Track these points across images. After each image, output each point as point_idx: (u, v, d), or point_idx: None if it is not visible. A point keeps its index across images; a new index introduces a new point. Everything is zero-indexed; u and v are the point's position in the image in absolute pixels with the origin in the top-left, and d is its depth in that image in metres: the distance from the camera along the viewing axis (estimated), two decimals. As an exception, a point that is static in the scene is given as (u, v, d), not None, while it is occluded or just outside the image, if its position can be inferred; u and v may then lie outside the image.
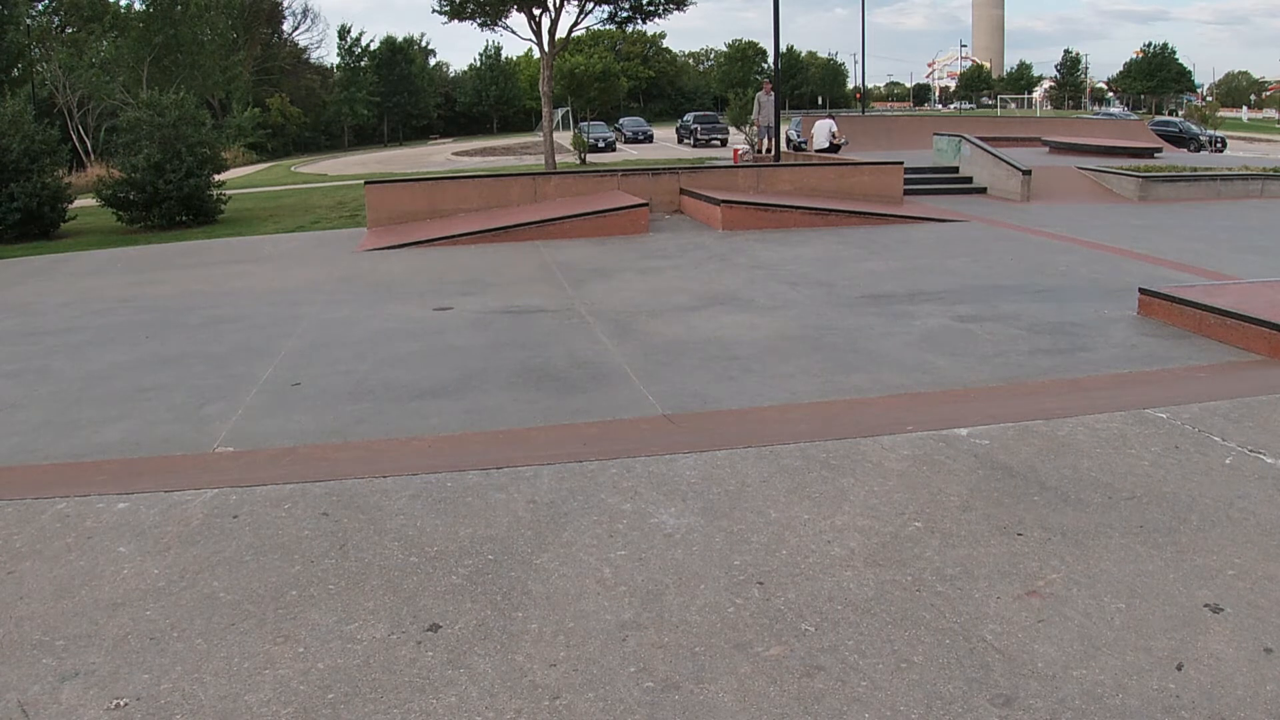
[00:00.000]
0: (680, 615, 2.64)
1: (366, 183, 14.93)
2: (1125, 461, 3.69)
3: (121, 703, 2.31)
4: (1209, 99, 74.38)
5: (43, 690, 2.38)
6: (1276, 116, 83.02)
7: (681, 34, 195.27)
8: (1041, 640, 2.48)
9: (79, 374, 6.52)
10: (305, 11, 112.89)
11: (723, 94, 67.68)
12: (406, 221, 13.72)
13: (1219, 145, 37.65)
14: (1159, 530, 3.10)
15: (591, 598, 2.75)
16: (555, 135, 26.22)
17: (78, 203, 18.34)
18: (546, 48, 24.55)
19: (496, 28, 25.59)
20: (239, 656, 2.50)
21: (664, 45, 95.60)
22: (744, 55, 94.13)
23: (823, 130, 20.45)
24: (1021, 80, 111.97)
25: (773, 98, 20.44)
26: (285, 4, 69.36)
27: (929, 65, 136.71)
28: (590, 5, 25.00)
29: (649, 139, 48.65)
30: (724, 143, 40.52)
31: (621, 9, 25.74)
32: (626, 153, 40.69)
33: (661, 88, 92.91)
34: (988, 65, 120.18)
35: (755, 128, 22.12)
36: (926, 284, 8.80)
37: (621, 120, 54.39)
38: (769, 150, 21.03)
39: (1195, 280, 8.37)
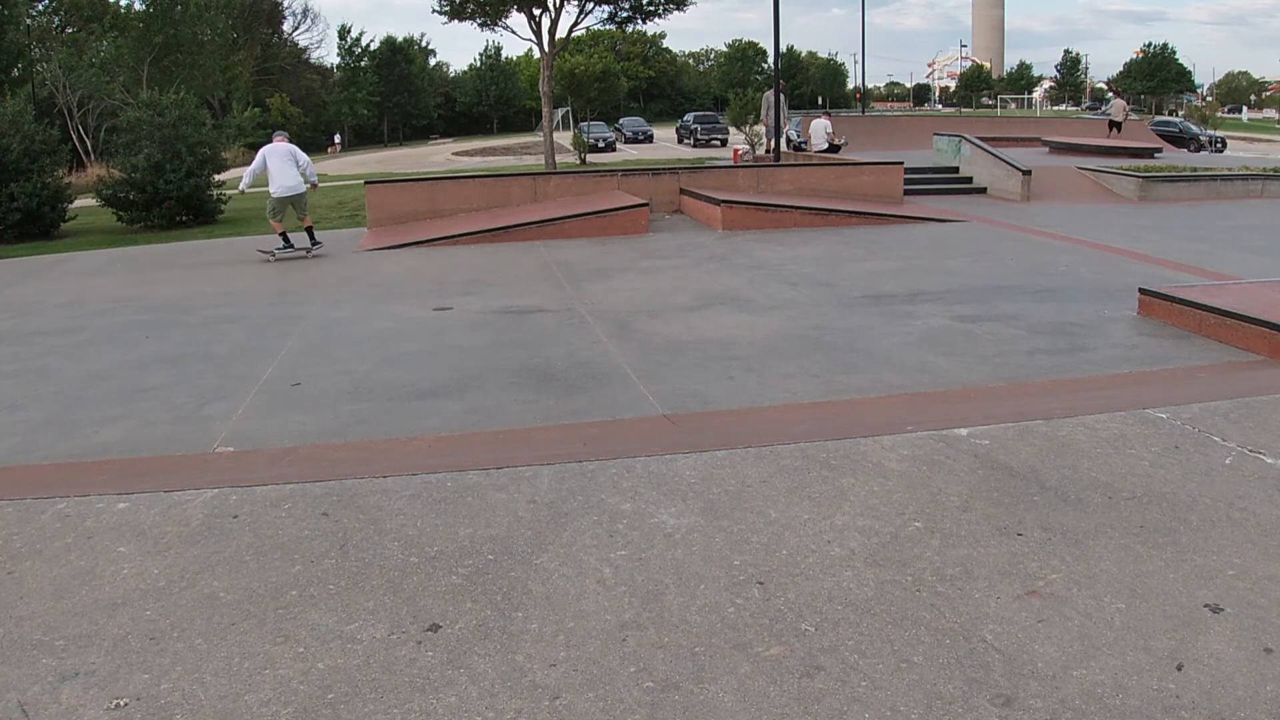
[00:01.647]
0: (680, 615, 2.64)
1: (366, 183, 14.92)
2: (1125, 461, 3.69)
3: (121, 703, 2.31)
4: (1209, 99, 74.37)
5: (43, 690, 2.38)
6: (1276, 117, 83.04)
7: (681, 34, 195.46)
8: (1041, 640, 2.48)
9: (79, 374, 6.52)
10: (305, 11, 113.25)
11: (723, 94, 67.69)
12: (406, 221, 13.71)
13: (1219, 145, 37.66)
14: (1159, 530, 3.10)
15: (591, 598, 2.75)
16: (555, 135, 26.23)
17: (78, 203, 18.34)
18: (546, 48, 24.56)
19: (496, 28, 25.64)
20: (239, 656, 2.50)
21: (664, 45, 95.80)
22: (744, 55, 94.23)
23: (819, 130, 20.42)
24: (1021, 80, 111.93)
25: (781, 98, 20.39)
26: (285, 4, 69.56)
27: (929, 65, 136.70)
28: (590, 5, 25.04)
29: (649, 139, 48.72)
30: (724, 143, 40.57)
31: (621, 9, 25.77)
32: (626, 153, 40.72)
33: (661, 88, 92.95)
34: (988, 65, 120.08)
35: (765, 127, 22.02)
36: (926, 284, 8.80)
37: (621, 120, 54.45)
38: (770, 150, 21.00)
39: (1195, 280, 8.36)
